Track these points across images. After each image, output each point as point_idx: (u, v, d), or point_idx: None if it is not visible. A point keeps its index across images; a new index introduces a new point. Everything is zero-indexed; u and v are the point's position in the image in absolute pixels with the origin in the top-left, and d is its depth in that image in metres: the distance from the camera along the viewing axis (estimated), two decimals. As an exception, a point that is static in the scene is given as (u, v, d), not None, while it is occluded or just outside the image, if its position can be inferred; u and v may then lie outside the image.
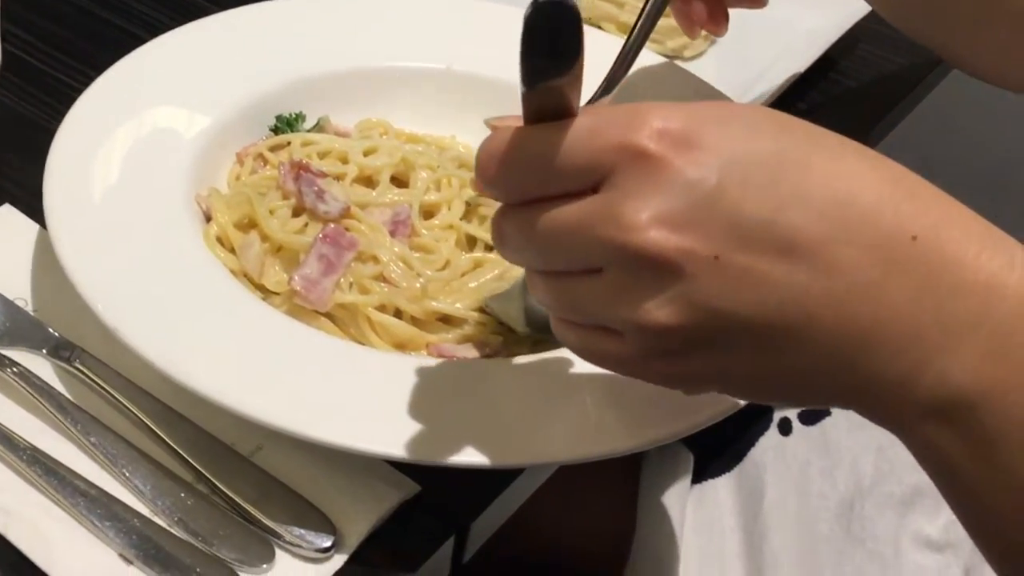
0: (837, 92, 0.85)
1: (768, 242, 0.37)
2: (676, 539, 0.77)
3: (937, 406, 0.38)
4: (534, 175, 0.40)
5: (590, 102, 0.57)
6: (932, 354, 0.38)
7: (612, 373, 0.44)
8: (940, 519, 0.73)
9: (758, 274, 0.37)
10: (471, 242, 0.64)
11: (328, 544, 0.50)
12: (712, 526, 0.77)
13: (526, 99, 0.39)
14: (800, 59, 0.80)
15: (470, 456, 0.49)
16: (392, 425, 0.50)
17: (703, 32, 0.69)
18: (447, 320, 0.59)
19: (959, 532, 0.72)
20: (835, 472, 0.74)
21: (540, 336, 0.58)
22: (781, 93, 0.78)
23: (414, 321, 0.58)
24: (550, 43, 0.36)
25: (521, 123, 0.40)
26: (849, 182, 0.38)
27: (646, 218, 0.37)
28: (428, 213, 0.65)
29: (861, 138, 0.41)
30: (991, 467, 0.39)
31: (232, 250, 0.60)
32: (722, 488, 0.76)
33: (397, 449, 0.49)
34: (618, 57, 0.58)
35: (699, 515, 0.77)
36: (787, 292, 0.37)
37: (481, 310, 0.59)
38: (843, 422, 0.74)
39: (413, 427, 0.50)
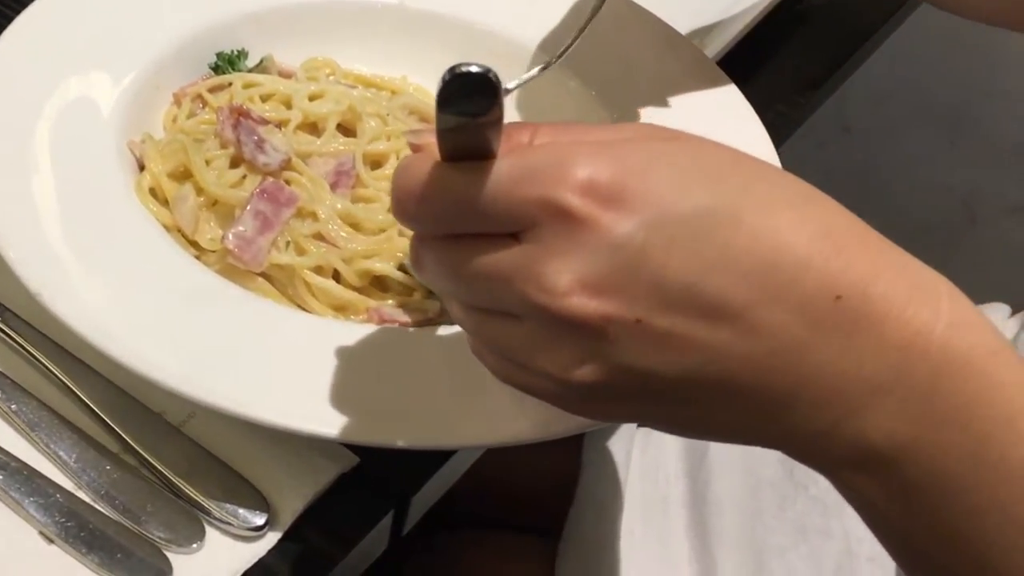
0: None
1: (691, 306, 0.36)
2: (620, 485, 0.76)
3: (857, 459, 0.38)
4: (452, 217, 0.38)
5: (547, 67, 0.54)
6: (851, 412, 0.38)
7: None
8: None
9: (680, 336, 0.36)
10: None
11: (261, 522, 0.48)
12: (657, 471, 0.77)
13: (441, 137, 0.36)
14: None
15: (409, 437, 0.47)
16: (326, 402, 0.47)
17: None
18: (385, 285, 0.56)
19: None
20: None
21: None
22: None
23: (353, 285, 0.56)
24: (466, 102, 0.34)
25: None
26: (777, 240, 0.36)
27: (567, 282, 0.36)
28: (376, 163, 0.62)
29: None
30: (915, 514, 0.39)
31: (166, 202, 0.57)
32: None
33: (331, 428, 0.47)
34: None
35: (644, 460, 0.77)
36: (708, 354, 0.37)
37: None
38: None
39: (348, 404, 0.47)
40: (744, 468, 0.74)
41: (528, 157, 0.37)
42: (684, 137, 0.39)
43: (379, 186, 0.60)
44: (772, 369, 0.37)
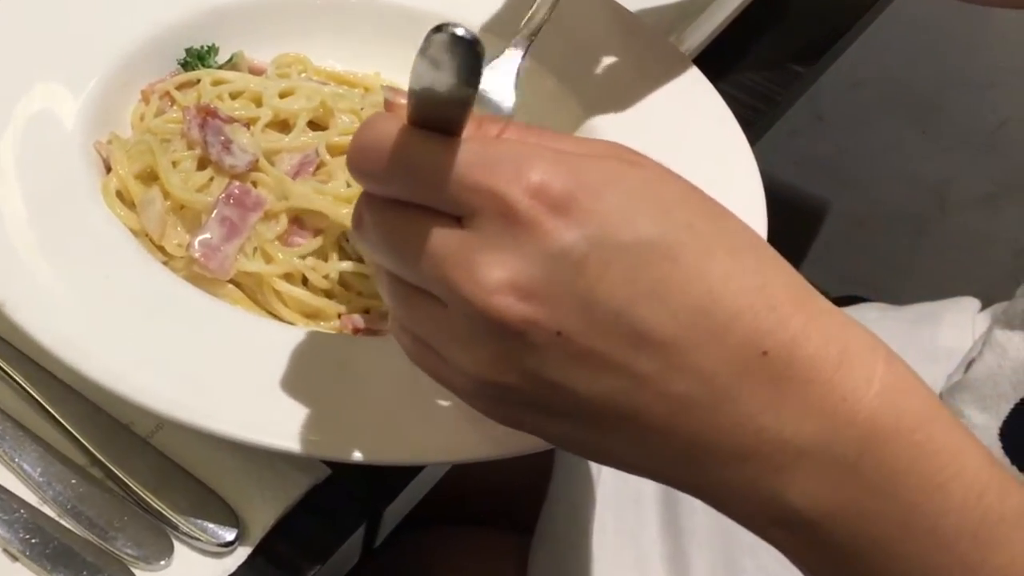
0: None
1: (615, 331, 0.36)
2: (593, 482, 0.76)
3: (779, 519, 0.38)
4: (404, 180, 0.37)
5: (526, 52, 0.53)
6: (770, 471, 0.37)
7: None
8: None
9: (597, 359, 0.36)
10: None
11: (231, 537, 0.47)
12: None
13: (411, 98, 0.36)
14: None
15: (381, 453, 0.46)
16: (294, 415, 0.46)
17: None
18: (349, 284, 0.55)
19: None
20: None
21: None
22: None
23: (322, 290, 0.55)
24: (447, 61, 0.33)
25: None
26: (711, 286, 0.36)
27: (498, 279, 0.35)
28: (343, 153, 0.60)
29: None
30: None
31: (133, 205, 0.56)
32: None
33: (298, 444, 0.46)
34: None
35: None
36: (623, 382, 0.36)
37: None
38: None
39: (317, 418, 0.47)
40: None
41: (489, 147, 0.37)
42: (646, 164, 0.38)
43: (339, 162, 0.58)
44: (686, 413, 0.36)
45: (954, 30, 1.32)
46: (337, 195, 0.56)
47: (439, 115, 0.36)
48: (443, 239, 0.36)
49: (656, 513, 0.75)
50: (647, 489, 0.76)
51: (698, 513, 0.75)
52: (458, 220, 0.37)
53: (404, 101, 0.37)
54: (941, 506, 0.37)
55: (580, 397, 0.37)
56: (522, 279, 0.35)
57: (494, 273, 0.35)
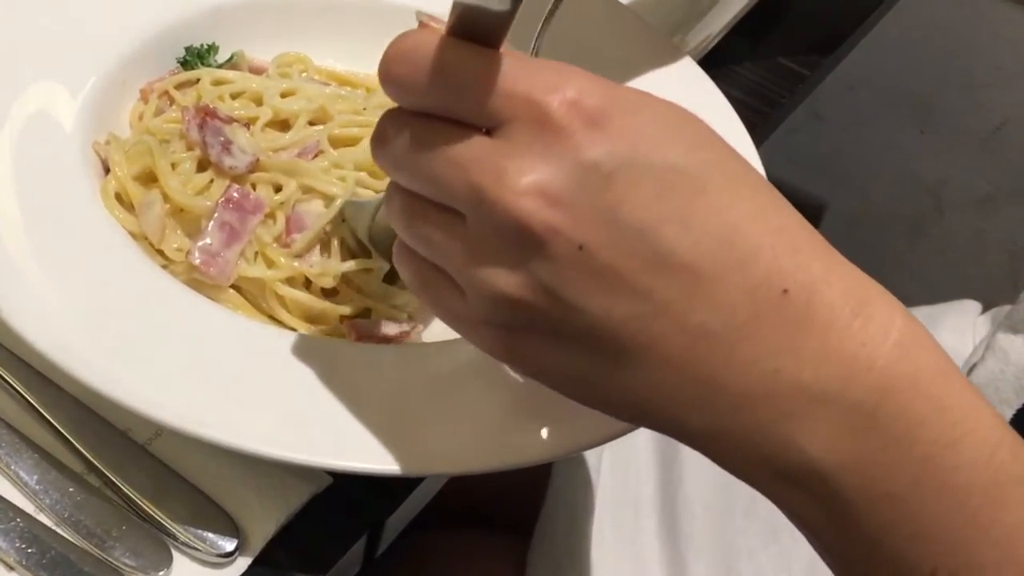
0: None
1: (638, 251, 0.35)
2: (592, 485, 0.76)
3: (787, 470, 0.37)
4: (440, 89, 0.37)
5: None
6: (784, 416, 0.36)
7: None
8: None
9: (617, 276, 0.35)
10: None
11: (231, 547, 0.47)
12: (628, 469, 0.76)
13: (456, 12, 0.36)
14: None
15: (382, 463, 0.45)
16: (295, 424, 0.46)
17: None
18: (351, 282, 0.55)
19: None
20: None
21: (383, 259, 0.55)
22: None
23: (323, 292, 0.54)
24: None
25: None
26: (736, 220, 0.36)
27: (527, 183, 0.35)
28: (345, 144, 0.59)
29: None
30: (853, 539, 0.38)
31: (132, 207, 0.55)
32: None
33: (302, 453, 0.45)
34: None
35: (615, 457, 0.76)
36: (639, 307, 0.36)
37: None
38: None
39: (320, 427, 0.46)
40: (716, 466, 0.74)
41: (529, 61, 0.37)
42: (677, 106, 0.38)
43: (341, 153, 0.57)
44: (703, 346, 0.36)
45: (954, 31, 1.32)
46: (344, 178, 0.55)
47: (480, 30, 0.36)
48: (473, 146, 0.36)
49: (655, 517, 0.75)
50: (646, 491, 0.76)
51: (697, 517, 0.75)
52: (488, 133, 0.36)
53: (437, 25, 0.37)
54: (954, 461, 0.36)
55: (595, 321, 0.36)
56: (550, 186, 0.35)
57: (523, 178, 0.35)
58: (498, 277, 0.36)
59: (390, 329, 0.53)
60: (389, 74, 0.37)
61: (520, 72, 0.36)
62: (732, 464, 0.39)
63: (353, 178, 0.56)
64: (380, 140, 0.39)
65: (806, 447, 0.36)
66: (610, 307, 0.36)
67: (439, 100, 0.37)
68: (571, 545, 0.75)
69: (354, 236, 0.55)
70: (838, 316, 0.36)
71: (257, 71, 0.64)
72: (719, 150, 0.38)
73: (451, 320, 0.40)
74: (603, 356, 0.37)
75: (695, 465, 0.75)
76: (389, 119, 0.39)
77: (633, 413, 0.39)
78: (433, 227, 0.38)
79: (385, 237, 0.53)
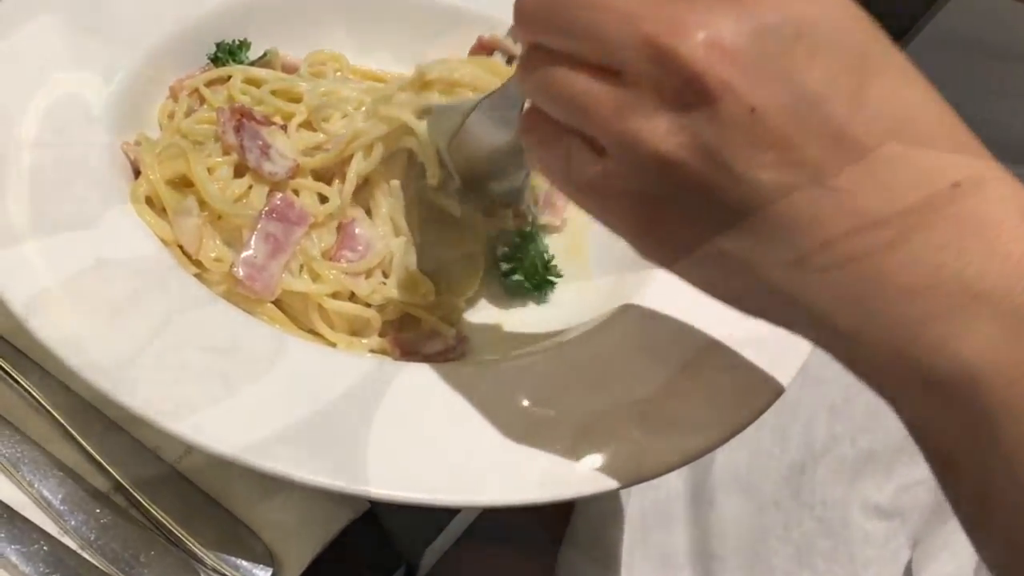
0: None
1: (813, 121, 0.33)
2: (621, 502, 0.74)
3: (932, 374, 0.34)
4: None
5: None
6: (943, 313, 0.34)
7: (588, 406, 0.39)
8: (890, 486, 0.72)
9: (784, 147, 0.33)
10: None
11: (265, 577, 0.44)
12: (659, 488, 0.74)
13: None
14: None
15: (425, 492, 0.43)
16: (335, 447, 0.43)
17: None
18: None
19: (907, 500, 0.71)
20: (788, 431, 0.73)
21: (451, 192, 0.52)
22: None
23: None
24: None
25: None
26: (910, 105, 0.34)
27: (705, 36, 0.33)
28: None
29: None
30: (987, 456, 0.35)
31: (163, 210, 0.52)
32: None
33: (341, 479, 0.42)
34: None
35: None
36: (804, 181, 0.33)
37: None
38: (797, 376, 0.71)
39: (361, 452, 0.43)
40: (749, 487, 0.72)
41: None
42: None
43: None
44: (868, 231, 0.34)
45: (986, 41, 1.29)
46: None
47: None
48: (646, 0, 0.34)
49: (685, 536, 0.73)
50: (676, 510, 0.74)
51: (729, 537, 0.73)
52: None
53: None
54: None
55: (754, 191, 0.34)
56: (730, 42, 0.33)
57: (702, 31, 0.33)
58: (654, 134, 0.34)
59: (435, 346, 0.51)
60: (522, 7, 0.36)
61: None
62: (869, 368, 0.37)
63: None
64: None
65: (960, 349, 0.34)
66: (774, 178, 0.34)
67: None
68: (600, 558, 0.73)
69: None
70: (1006, 216, 0.34)
71: (289, 69, 0.61)
72: (890, 44, 0.36)
73: (583, 191, 0.37)
74: (756, 235, 0.35)
75: (728, 484, 0.73)
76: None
77: (773, 306, 0.37)
78: (578, 85, 0.36)
79: (464, 156, 0.50)
